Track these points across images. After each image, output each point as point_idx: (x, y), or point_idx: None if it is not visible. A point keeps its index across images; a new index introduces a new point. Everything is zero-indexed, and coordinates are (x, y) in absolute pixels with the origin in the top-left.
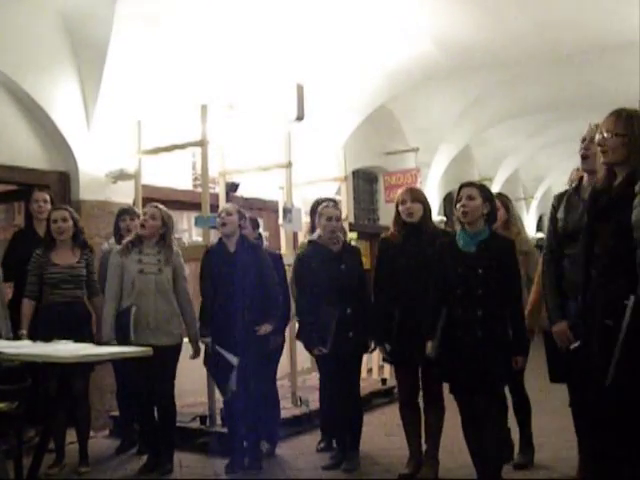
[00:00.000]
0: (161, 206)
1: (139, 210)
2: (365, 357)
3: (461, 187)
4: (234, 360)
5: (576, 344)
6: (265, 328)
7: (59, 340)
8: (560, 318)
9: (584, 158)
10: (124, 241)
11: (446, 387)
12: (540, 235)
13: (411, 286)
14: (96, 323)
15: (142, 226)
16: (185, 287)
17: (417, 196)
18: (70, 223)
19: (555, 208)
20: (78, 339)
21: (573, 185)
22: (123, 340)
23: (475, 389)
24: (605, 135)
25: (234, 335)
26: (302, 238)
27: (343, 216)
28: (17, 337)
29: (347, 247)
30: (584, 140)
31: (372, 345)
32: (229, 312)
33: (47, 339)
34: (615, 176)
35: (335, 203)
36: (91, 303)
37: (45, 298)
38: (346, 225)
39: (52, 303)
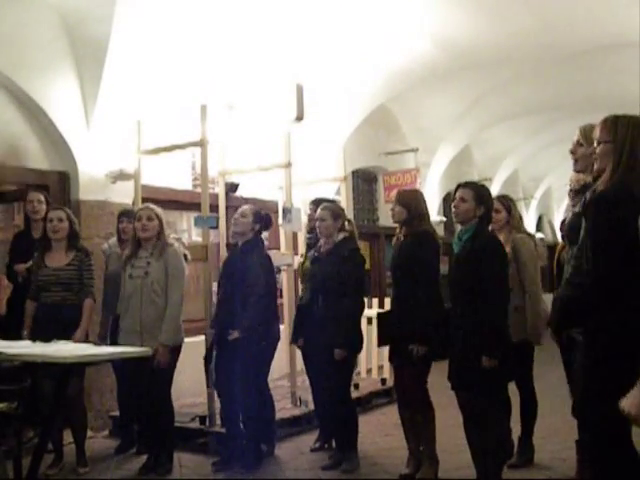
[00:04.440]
0: (151, 205)
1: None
2: (365, 357)
3: (457, 187)
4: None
5: None
6: (233, 335)
7: (58, 340)
8: None
9: (574, 160)
10: (124, 255)
11: (446, 386)
12: (540, 235)
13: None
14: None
15: (144, 229)
16: (174, 288)
17: (401, 198)
18: (66, 224)
19: None
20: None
21: (568, 188)
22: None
23: (467, 387)
24: (595, 144)
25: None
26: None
27: None
28: (19, 337)
29: (337, 247)
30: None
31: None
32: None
33: (41, 339)
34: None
35: (329, 202)
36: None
37: (39, 299)
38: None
39: (43, 304)
